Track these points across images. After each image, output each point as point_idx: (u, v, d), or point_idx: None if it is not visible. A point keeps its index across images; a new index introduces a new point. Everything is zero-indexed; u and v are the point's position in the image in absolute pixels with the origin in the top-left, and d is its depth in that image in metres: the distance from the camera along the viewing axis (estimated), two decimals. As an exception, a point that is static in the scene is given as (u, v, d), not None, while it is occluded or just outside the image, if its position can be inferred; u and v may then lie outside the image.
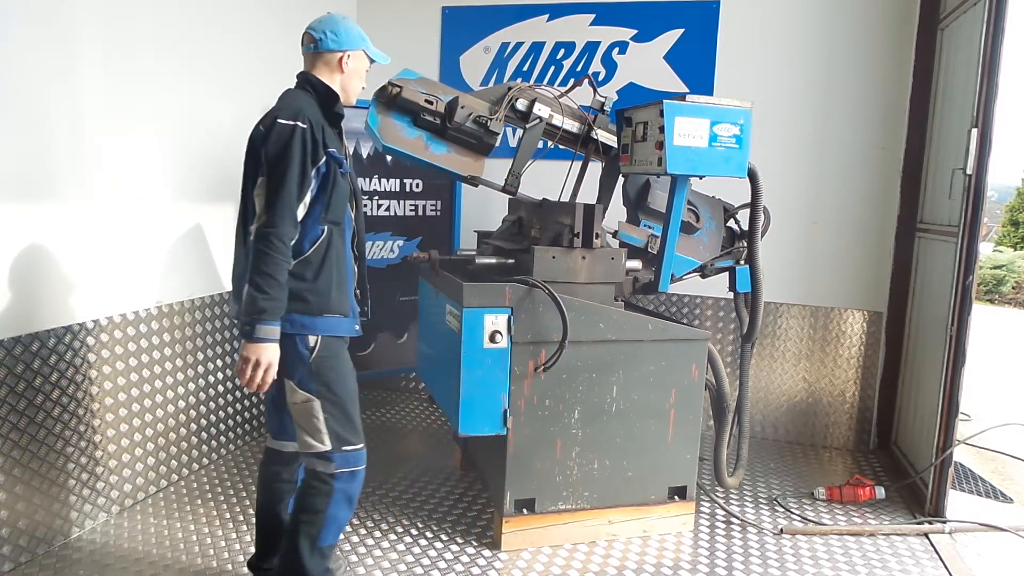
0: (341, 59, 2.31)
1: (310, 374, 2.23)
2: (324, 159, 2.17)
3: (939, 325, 3.36)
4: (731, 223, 3.37)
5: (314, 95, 2.28)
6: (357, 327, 2.37)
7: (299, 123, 2.10)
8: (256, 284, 2.05)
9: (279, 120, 2.10)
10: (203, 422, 3.53)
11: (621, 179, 3.24)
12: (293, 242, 2.12)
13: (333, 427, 2.26)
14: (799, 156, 4.14)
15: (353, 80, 2.36)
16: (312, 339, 2.22)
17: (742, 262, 3.22)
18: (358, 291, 2.47)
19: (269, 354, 2.10)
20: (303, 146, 2.10)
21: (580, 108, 3.16)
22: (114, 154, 2.93)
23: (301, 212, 2.14)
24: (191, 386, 3.43)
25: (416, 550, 2.88)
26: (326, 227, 2.22)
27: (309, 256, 2.20)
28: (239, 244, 2.26)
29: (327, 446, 2.25)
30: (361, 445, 2.34)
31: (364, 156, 4.23)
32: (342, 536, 2.94)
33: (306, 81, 2.31)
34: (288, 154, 2.08)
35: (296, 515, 2.30)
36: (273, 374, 2.14)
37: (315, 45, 2.30)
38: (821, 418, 4.25)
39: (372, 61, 2.42)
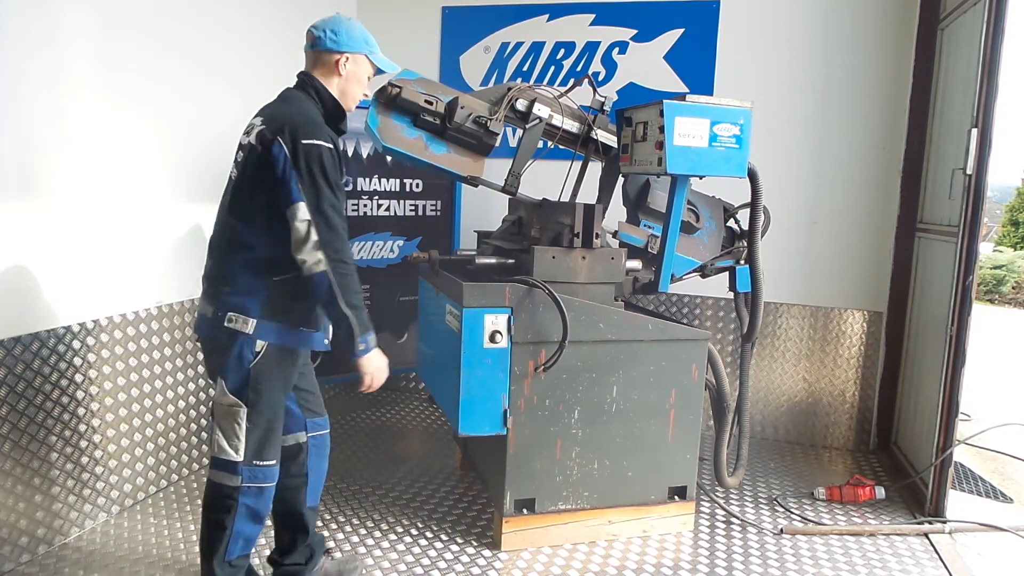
0: (339, 61, 2.25)
1: (245, 380, 2.16)
2: (344, 180, 2.18)
3: (939, 325, 3.36)
4: (731, 223, 3.37)
5: (320, 105, 2.24)
6: (327, 340, 2.33)
7: (326, 143, 2.08)
8: (353, 305, 2.10)
9: (304, 142, 2.05)
10: (203, 422, 3.53)
11: (621, 179, 3.24)
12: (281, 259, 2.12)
13: (252, 438, 2.18)
14: (799, 156, 4.14)
15: (352, 85, 2.29)
16: (259, 344, 2.15)
17: (742, 262, 3.22)
18: None
19: (379, 358, 2.22)
20: (335, 167, 2.10)
21: (580, 108, 3.16)
22: (114, 154, 2.92)
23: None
24: (191, 386, 3.43)
25: (416, 550, 2.88)
26: None
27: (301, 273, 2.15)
28: (220, 244, 2.20)
29: (238, 457, 2.17)
30: (275, 462, 2.26)
31: (364, 156, 4.23)
32: (342, 536, 2.94)
33: (311, 86, 2.25)
34: (330, 179, 2.07)
35: (203, 523, 2.24)
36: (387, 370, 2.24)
37: (313, 44, 2.26)
38: (821, 418, 4.25)
39: (377, 69, 2.36)
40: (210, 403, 3.55)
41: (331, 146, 2.09)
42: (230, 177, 2.26)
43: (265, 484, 2.24)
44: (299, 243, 2.05)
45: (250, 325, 2.13)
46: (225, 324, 2.13)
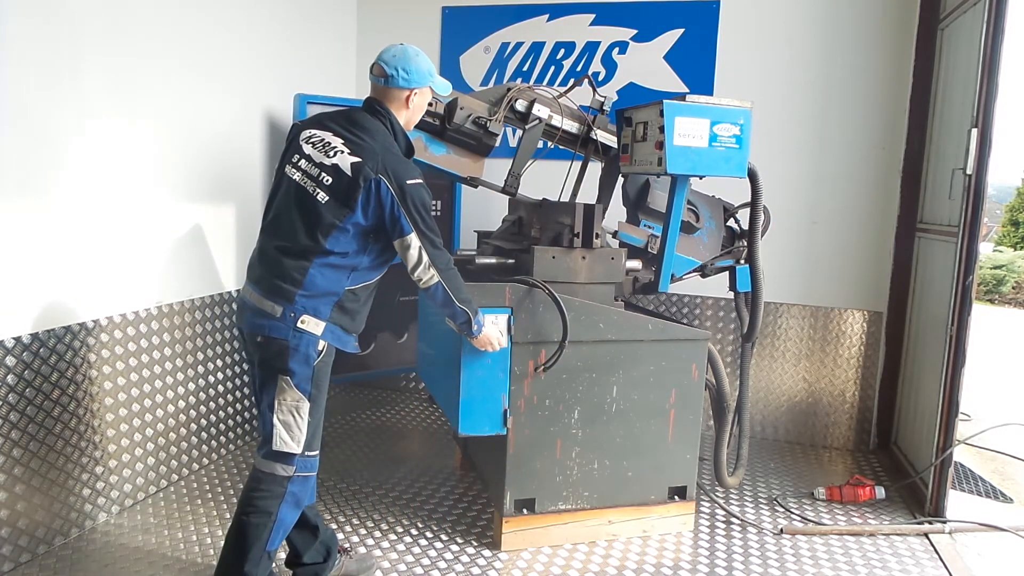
0: (409, 97, 2.40)
1: (311, 377, 2.29)
2: None
3: (939, 325, 3.36)
4: (731, 222, 3.37)
5: (395, 138, 2.39)
6: (356, 344, 2.48)
7: (422, 180, 2.30)
8: (464, 300, 2.43)
9: (410, 183, 2.25)
10: (203, 422, 3.53)
11: (621, 179, 3.24)
12: (375, 274, 2.40)
13: (309, 431, 2.32)
14: (799, 156, 4.14)
15: (416, 114, 2.48)
16: (322, 344, 2.29)
17: (742, 261, 3.22)
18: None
19: (491, 328, 2.61)
20: (429, 198, 2.33)
21: (580, 108, 3.16)
22: (115, 154, 2.92)
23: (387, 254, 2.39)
24: (191, 386, 3.43)
25: (416, 550, 2.88)
26: (385, 269, 2.45)
27: (370, 286, 2.40)
28: (294, 250, 2.27)
29: (298, 449, 2.31)
30: (318, 452, 2.42)
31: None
32: (342, 536, 2.94)
33: (388, 120, 2.39)
34: (427, 208, 2.32)
35: (243, 516, 2.31)
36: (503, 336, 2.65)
37: (386, 80, 2.37)
38: (821, 418, 4.25)
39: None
40: (210, 402, 3.56)
41: (422, 182, 2.31)
42: (300, 186, 2.28)
43: (311, 473, 2.40)
44: (415, 266, 2.32)
45: (320, 327, 2.27)
46: (298, 325, 2.25)
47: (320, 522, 2.57)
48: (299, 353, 2.26)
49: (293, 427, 2.29)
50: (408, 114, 2.45)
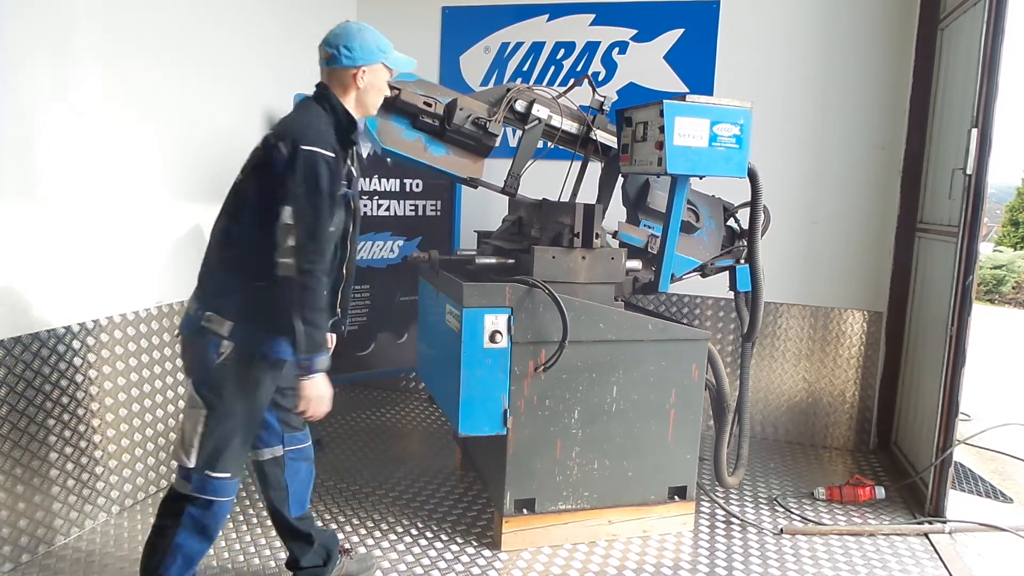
0: (356, 75, 2.20)
1: (207, 381, 2.11)
2: (342, 193, 2.12)
3: (939, 325, 3.36)
4: (731, 222, 3.37)
5: (332, 117, 2.19)
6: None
7: (326, 152, 2.04)
8: (309, 320, 2.02)
9: (303, 147, 2.01)
10: (203, 422, 3.52)
11: (621, 179, 3.24)
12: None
13: (207, 445, 2.10)
14: (799, 156, 4.14)
15: (370, 94, 2.25)
16: (225, 345, 2.09)
17: (742, 261, 3.22)
18: (339, 309, 2.37)
19: (323, 386, 2.12)
20: (331, 178, 2.04)
21: (579, 108, 3.16)
22: (114, 154, 2.92)
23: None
24: (191, 386, 3.43)
25: (416, 550, 2.88)
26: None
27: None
28: (212, 244, 2.18)
29: (190, 462, 2.10)
30: (230, 476, 2.14)
31: (364, 156, 4.23)
32: (342, 536, 2.94)
33: (325, 99, 2.20)
34: (319, 187, 2.02)
35: (151, 531, 2.17)
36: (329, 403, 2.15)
37: (328, 61, 2.21)
38: (821, 418, 4.25)
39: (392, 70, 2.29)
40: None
41: (331, 155, 2.05)
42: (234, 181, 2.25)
43: (215, 498, 2.12)
44: (277, 245, 2.02)
45: (225, 327, 2.09)
46: (202, 323, 2.10)
47: (314, 530, 2.51)
48: (198, 354, 2.10)
49: (187, 436, 2.09)
50: (360, 95, 2.22)
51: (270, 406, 2.32)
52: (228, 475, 2.14)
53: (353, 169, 2.28)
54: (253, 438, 2.27)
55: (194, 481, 2.10)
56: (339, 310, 2.36)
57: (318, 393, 2.11)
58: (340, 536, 2.93)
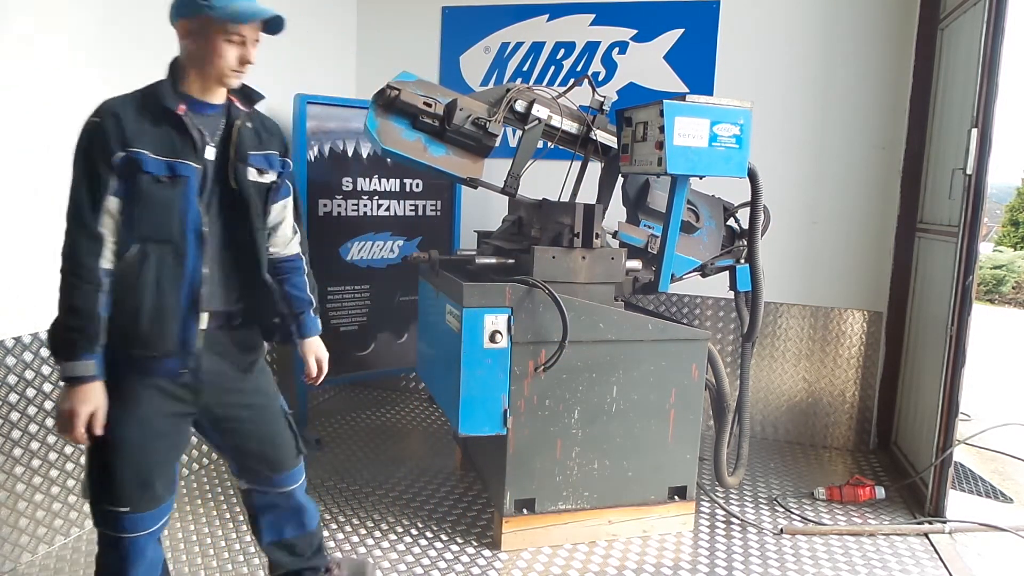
0: (183, 30, 1.85)
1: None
2: (120, 157, 1.76)
3: (939, 325, 3.36)
4: (731, 222, 3.37)
5: (170, 81, 1.89)
6: (183, 369, 1.87)
7: (95, 118, 1.76)
8: (59, 316, 1.74)
9: (89, 117, 1.79)
10: (203, 422, 3.52)
11: (621, 179, 3.24)
12: (100, 259, 1.77)
13: (92, 474, 1.87)
14: (799, 156, 4.14)
15: (208, 53, 1.82)
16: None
17: (742, 261, 3.22)
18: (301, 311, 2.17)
19: (82, 397, 1.74)
20: (89, 144, 1.76)
21: (579, 108, 3.16)
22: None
23: (108, 222, 1.78)
24: (191, 386, 3.42)
25: (416, 550, 2.88)
26: (138, 245, 1.80)
27: (115, 279, 1.79)
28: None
29: (84, 494, 1.90)
30: (125, 509, 1.84)
31: (364, 156, 4.24)
32: (342, 536, 2.94)
33: (172, 65, 1.92)
34: (76, 156, 1.76)
35: None
36: (89, 422, 1.76)
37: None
38: (821, 418, 4.25)
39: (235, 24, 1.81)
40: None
41: (96, 119, 1.75)
42: None
43: (116, 534, 1.86)
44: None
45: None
46: None
47: (291, 559, 2.27)
48: None
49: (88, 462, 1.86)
50: (194, 52, 1.83)
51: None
52: (127, 509, 1.85)
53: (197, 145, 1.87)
54: (155, 468, 1.91)
55: (95, 516, 1.89)
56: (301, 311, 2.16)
57: (69, 406, 1.74)
58: (340, 536, 2.93)
